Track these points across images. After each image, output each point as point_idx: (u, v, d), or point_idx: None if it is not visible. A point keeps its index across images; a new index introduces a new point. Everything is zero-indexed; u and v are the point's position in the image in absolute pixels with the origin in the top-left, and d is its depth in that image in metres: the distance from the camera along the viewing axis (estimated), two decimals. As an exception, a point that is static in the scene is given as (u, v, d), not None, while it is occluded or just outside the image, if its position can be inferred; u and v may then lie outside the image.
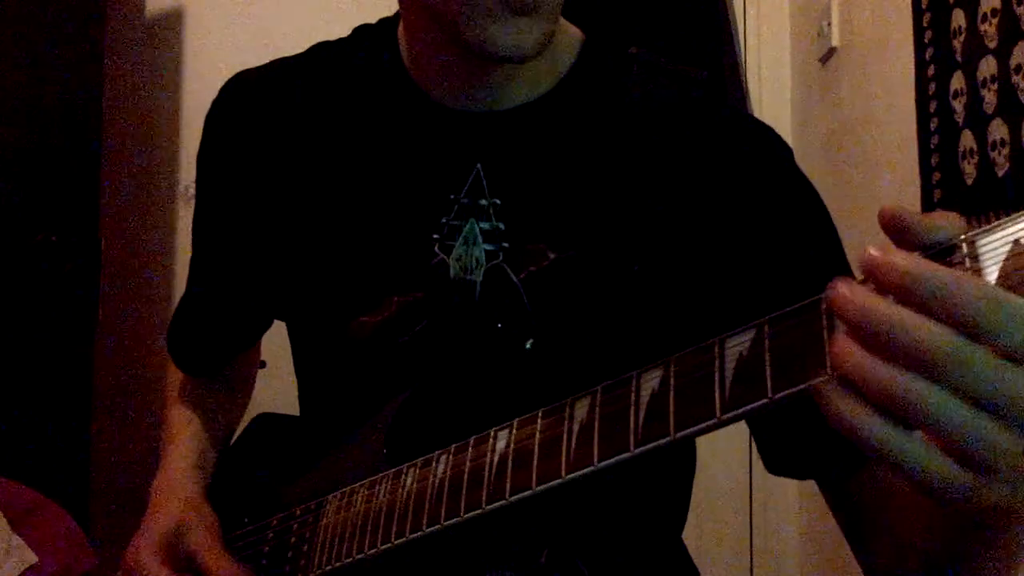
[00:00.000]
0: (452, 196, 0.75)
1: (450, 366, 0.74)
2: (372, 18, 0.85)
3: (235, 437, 0.94)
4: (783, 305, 0.49)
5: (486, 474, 0.61)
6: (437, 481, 0.64)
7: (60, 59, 2.32)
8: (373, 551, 0.67)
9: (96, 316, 2.38)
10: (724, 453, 2.29)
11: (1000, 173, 1.28)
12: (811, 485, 0.76)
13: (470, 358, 0.74)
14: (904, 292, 0.40)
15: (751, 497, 2.38)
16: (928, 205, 1.50)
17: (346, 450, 0.76)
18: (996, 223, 0.42)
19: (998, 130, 1.28)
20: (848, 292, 0.42)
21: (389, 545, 0.65)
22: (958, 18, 1.39)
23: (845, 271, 0.73)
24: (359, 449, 0.74)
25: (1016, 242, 0.41)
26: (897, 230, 0.44)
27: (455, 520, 0.62)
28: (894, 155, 1.66)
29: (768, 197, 0.73)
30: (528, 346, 0.72)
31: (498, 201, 0.74)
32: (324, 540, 0.72)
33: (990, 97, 1.30)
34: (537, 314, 0.72)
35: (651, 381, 0.54)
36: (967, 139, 1.37)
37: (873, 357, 0.41)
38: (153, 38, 2.64)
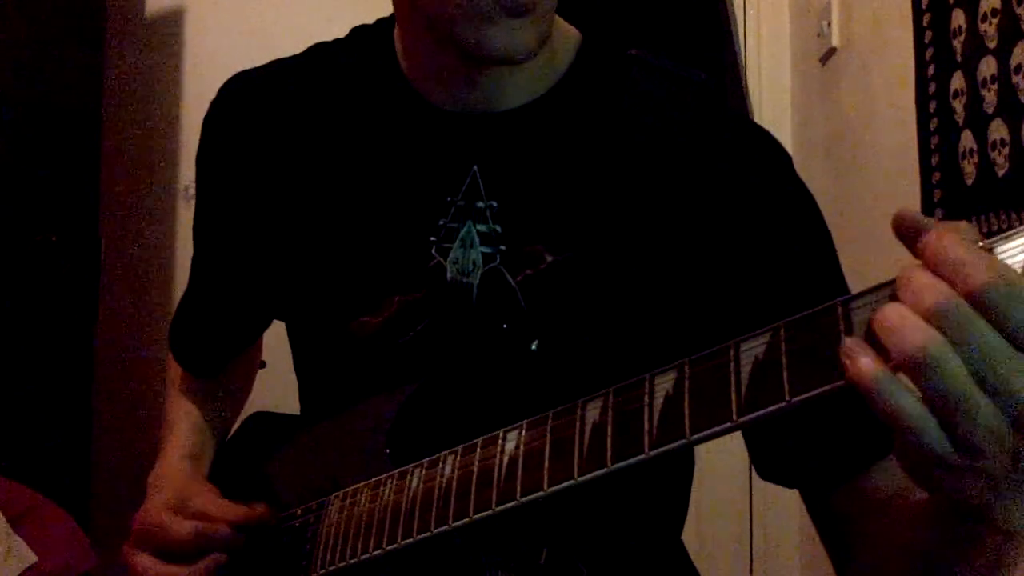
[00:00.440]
0: (449, 198, 0.75)
1: (453, 366, 0.74)
2: (371, 18, 0.85)
3: (229, 436, 0.94)
4: (775, 309, 0.50)
5: (496, 475, 0.61)
6: (444, 482, 0.64)
7: (60, 59, 2.32)
8: (379, 551, 0.67)
9: (96, 316, 2.38)
10: (724, 454, 2.28)
11: (1000, 173, 1.28)
12: (812, 485, 0.76)
13: (474, 358, 0.73)
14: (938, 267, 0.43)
15: (751, 498, 2.38)
16: (928, 205, 1.50)
17: (346, 450, 0.76)
18: (1014, 231, 0.43)
19: (998, 130, 1.28)
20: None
21: (396, 546, 0.65)
22: (958, 18, 1.39)
23: (838, 279, 0.74)
24: (360, 449, 0.74)
25: None
26: (911, 235, 0.45)
27: (464, 521, 0.61)
28: (894, 155, 1.66)
29: (764, 203, 0.73)
30: (534, 347, 0.72)
31: (495, 203, 0.74)
32: (328, 540, 0.72)
33: (990, 97, 1.30)
34: (534, 316, 0.72)
35: (665, 383, 0.54)
36: (967, 139, 1.37)
37: (905, 313, 0.43)
38: (153, 38, 2.64)
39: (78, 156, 2.40)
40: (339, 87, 0.80)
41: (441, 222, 0.75)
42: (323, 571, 0.71)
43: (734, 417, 0.50)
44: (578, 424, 0.58)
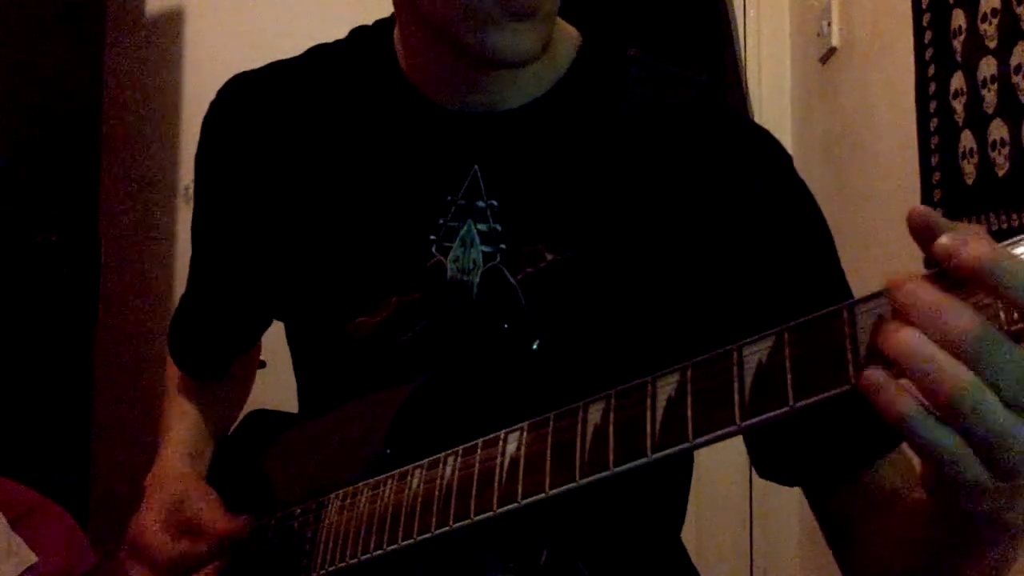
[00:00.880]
0: (449, 197, 0.75)
1: (452, 366, 0.74)
2: (370, 19, 0.85)
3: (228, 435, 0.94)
4: (776, 310, 0.50)
5: (497, 476, 0.61)
6: (445, 483, 0.64)
7: (60, 59, 2.32)
8: (379, 552, 0.66)
9: (96, 316, 2.38)
10: (724, 454, 2.28)
11: (1000, 173, 1.27)
12: (812, 485, 0.76)
13: (473, 358, 0.73)
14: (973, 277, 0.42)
15: (751, 497, 2.38)
16: (928, 205, 1.50)
17: (346, 449, 0.76)
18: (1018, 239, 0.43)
19: (998, 130, 1.28)
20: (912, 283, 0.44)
21: (396, 546, 0.65)
22: (958, 18, 1.39)
23: (839, 279, 0.74)
24: (360, 449, 0.74)
25: None
26: (925, 234, 0.44)
27: (464, 522, 0.61)
28: (894, 155, 1.66)
29: (765, 203, 0.73)
30: (535, 347, 0.72)
31: (495, 203, 0.74)
32: (327, 540, 0.72)
33: (990, 97, 1.30)
34: (534, 315, 0.72)
35: (668, 386, 0.54)
36: (967, 139, 1.37)
37: (924, 340, 0.42)
38: (153, 38, 2.64)
39: (78, 156, 2.40)
40: (339, 87, 0.80)
41: (441, 221, 0.75)
42: (323, 571, 0.71)
43: (737, 421, 0.49)
44: (580, 426, 0.58)
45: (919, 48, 1.53)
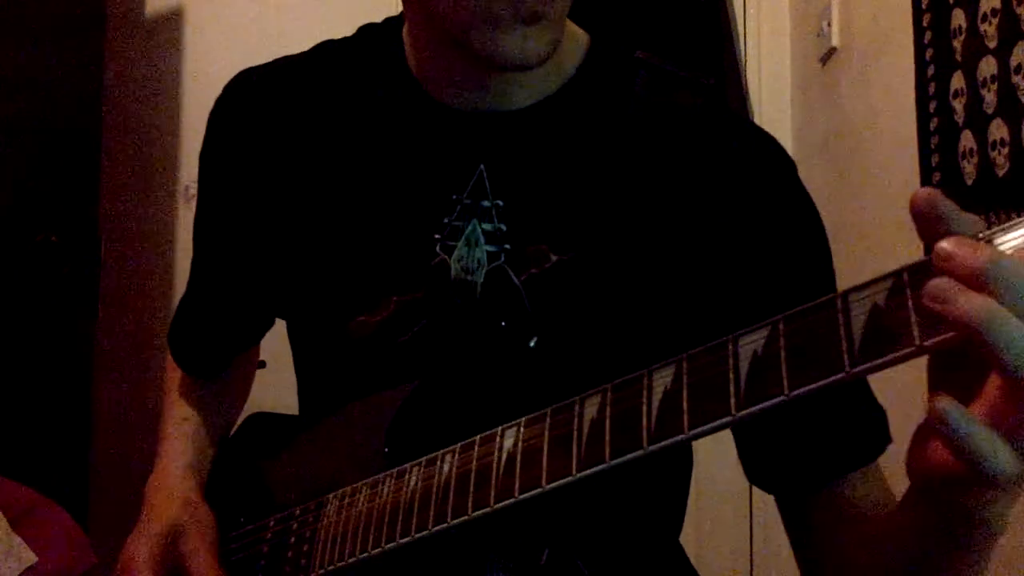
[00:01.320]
0: (455, 196, 0.75)
1: (451, 365, 0.74)
2: (373, 18, 0.85)
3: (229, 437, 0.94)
4: (771, 314, 0.50)
5: (494, 472, 0.61)
6: (443, 480, 0.64)
7: (60, 59, 2.32)
8: (378, 550, 0.66)
9: (96, 316, 2.38)
10: (724, 455, 2.28)
11: (1000, 173, 1.28)
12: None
13: (472, 357, 0.74)
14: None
15: (751, 499, 2.38)
16: (928, 205, 1.50)
17: (345, 449, 0.76)
18: (1012, 223, 0.44)
19: (998, 130, 1.28)
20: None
21: (394, 544, 0.65)
22: (958, 18, 1.39)
23: (831, 288, 0.74)
24: (359, 448, 0.74)
25: None
26: (929, 214, 0.45)
27: (463, 519, 0.61)
28: (894, 155, 1.66)
29: (767, 210, 0.74)
30: (532, 344, 0.72)
31: (500, 202, 0.74)
32: (326, 540, 0.72)
33: (990, 97, 1.30)
34: (538, 316, 0.72)
35: (663, 379, 0.54)
36: (967, 139, 1.37)
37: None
38: (153, 38, 2.64)
39: (78, 156, 2.40)
40: (346, 84, 0.80)
41: (446, 220, 0.75)
42: (322, 571, 0.71)
43: (733, 411, 0.50)
44: (576, 420, 0.58)
45: (919, 48, 1.53)
